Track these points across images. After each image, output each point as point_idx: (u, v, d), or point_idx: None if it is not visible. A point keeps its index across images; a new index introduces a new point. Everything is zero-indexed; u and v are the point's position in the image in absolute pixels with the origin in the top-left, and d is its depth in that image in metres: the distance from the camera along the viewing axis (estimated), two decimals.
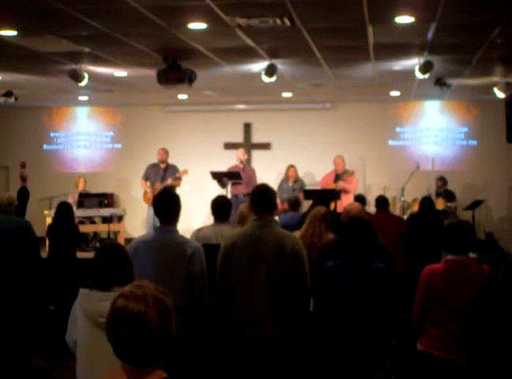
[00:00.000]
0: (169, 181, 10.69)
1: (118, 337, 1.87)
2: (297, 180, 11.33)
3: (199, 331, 4.13)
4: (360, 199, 8.28)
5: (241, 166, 11.02)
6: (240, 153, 11.15)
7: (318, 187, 10.87)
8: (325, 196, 7.95)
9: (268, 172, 12.00)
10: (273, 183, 10.83)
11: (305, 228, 5.57)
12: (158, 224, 4.27)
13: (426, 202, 7.79)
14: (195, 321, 4.06)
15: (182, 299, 3.96)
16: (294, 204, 8.02)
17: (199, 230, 5.47)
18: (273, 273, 3.92)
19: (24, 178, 8.52)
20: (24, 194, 8.06)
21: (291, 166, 11.37)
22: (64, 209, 7.57)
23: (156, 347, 1.86)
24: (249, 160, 12.51)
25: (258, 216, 4.07)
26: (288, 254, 3.93)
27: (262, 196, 4.12)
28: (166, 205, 4.17)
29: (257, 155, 12.88)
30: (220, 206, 5.46)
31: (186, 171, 10.90)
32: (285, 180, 11.33)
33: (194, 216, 11.77)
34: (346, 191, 10.48)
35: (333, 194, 9.77)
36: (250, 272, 3.96)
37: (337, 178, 10.81)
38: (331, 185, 10.57)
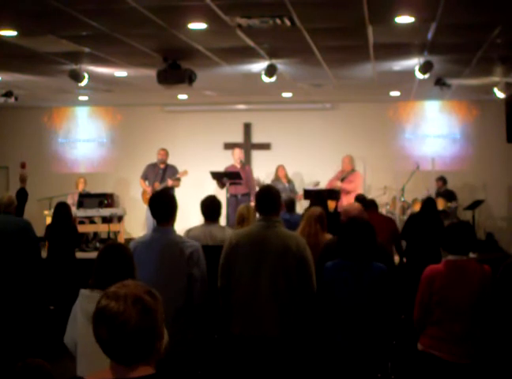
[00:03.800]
0: (169, 183, 10.68)
1: (99, 336, 1.93)
2: (289, 180, 11.30)
3: (199, 331, 4.13)
4: (361, 199, 8.19)
5: (239, 165, 11.01)
6: (238, 152, 11.13)
7: (317, 187, 10.88)
8: (322, 196, 7.94)
9: (268, 172, 11.99)
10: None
11: (301, 228, 5.56)
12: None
13: (428, 202, 7.78)
14: (195, 321, 4.06)
15: (182, 299, 3.96)
16: (290, 205, 7.90)
17: (189, 230, 5.44)
18: (278, 273, 3.93)
19: (23, 179, 8.52)
20: (22, 195, 8.07)
21: (281, 166, 11.34)
22: (62, 209, 7.57)
23: (137, 346, 1.91)
24: (249, 160, 12.52)
25: (263, 217, 4.08)
26: (293, 254, 3.94)
27: (267, 197, 4.14)
28: (162, 206, 4.17)
29: (257, 155, 12.87)
30: (209, 206, 5.43)
31: (185, 172, 10.89)
32: (276, 180, 11.22)
33: (194, 216, 11.75)
34: (346, 191, 10.43)
35: (332, 194, 9.74)
36: (253, 272, 3.97)
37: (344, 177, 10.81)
38: (334, 185, 10.56)
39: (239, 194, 10.63)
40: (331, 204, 9.53)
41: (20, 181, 8.50)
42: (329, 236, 5.55)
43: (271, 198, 4.13)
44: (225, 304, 4.11)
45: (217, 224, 5.47)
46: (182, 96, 11.89)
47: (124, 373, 1.93)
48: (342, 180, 10.73)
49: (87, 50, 7.49)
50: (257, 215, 4.36)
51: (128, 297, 1.91)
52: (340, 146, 12.02)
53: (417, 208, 10.01)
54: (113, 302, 1.91)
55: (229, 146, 12.53)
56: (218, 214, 5.48)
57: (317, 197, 7.60)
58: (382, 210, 10.55)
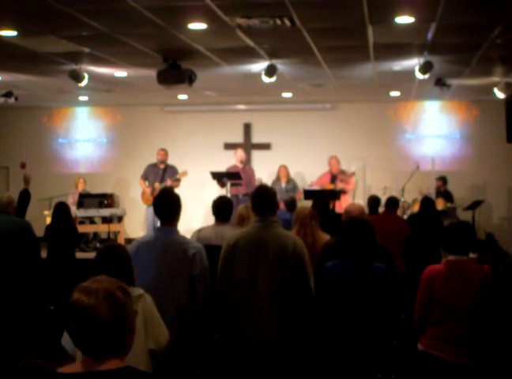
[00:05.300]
0: (168, 183, 10.69)
1: (71, 330, 1.96)
2: (289, 180, 11.30)
3: (201, 331, 4.12)
4: (375, 200, 7.94)
5: (240, 166, 11.01)
6: (240, 153, 11.13)
7: (317, 187, 10.89)
8: (324, 196, 7.93)
9: (268, 172, 12.00)
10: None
11: (296, 230, 5.51)
12: (159, 224, 4.26)
13: (426, 203, 7.77)
14: (197, 322, 4.05)
15: (184, 299, 3.96)
16: (290, 205, 7.93)
17: (200, 230, 5.43)
18: (276, 273, 3.93)
19: (27, 181, 8.50)
20: (25, 196, 8.06)
21: (283, 166, 11.35)
22: (61, 209, 7.55)
23: (107, 339, 1.95)
24: (249, 160, 12.52)
25: (260, 217, 4.08)
26: (291, 254, 3.94)
27: (263, 197, 4.13)
28: (166, 205, 4.16)
29: (257, 155, 12.88)
30: (221, 206, 5.42)
31: (185, 173, 10.90)
32: (277, 180, 11.24)
33: (194, 217, 11.76)
34: (344, 191, 10.56)
35: (333, 194, 9.79)
36: (252, 272, 3.96)
37: (333, 178, 10.85)
38: (329, 186, 10.61)
39: (240, 194, 10.63)
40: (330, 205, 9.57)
41: (24, 182, 8.48)
42: (325, 235, 5.53)
43: (267, 199, 4.12)
44: (224, 305, 4.10)
45: (229, 224, 5.43)
46: (182, 96, 11.89)
47: (93, 366, 1.96)
48: (334, 181, 10.78)
49: (87, 50, 7.49)
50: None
51: (99, 291, 1.95)
52: (340, 146, 12.02)
53: (417, 208, 10.01)
54: (84, 296, 1.94)
55: (229, 146, 12.55)
56: (229, 214, 5.45)
57: (319, 197, 7.58)
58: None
